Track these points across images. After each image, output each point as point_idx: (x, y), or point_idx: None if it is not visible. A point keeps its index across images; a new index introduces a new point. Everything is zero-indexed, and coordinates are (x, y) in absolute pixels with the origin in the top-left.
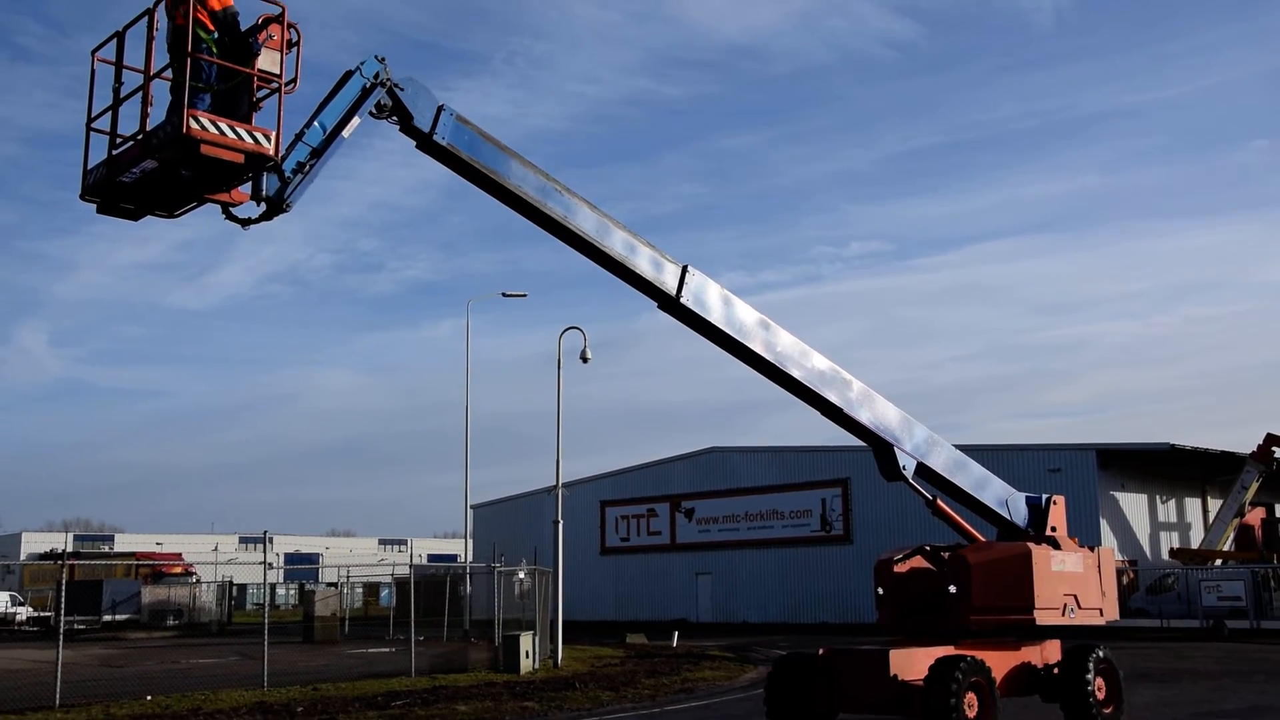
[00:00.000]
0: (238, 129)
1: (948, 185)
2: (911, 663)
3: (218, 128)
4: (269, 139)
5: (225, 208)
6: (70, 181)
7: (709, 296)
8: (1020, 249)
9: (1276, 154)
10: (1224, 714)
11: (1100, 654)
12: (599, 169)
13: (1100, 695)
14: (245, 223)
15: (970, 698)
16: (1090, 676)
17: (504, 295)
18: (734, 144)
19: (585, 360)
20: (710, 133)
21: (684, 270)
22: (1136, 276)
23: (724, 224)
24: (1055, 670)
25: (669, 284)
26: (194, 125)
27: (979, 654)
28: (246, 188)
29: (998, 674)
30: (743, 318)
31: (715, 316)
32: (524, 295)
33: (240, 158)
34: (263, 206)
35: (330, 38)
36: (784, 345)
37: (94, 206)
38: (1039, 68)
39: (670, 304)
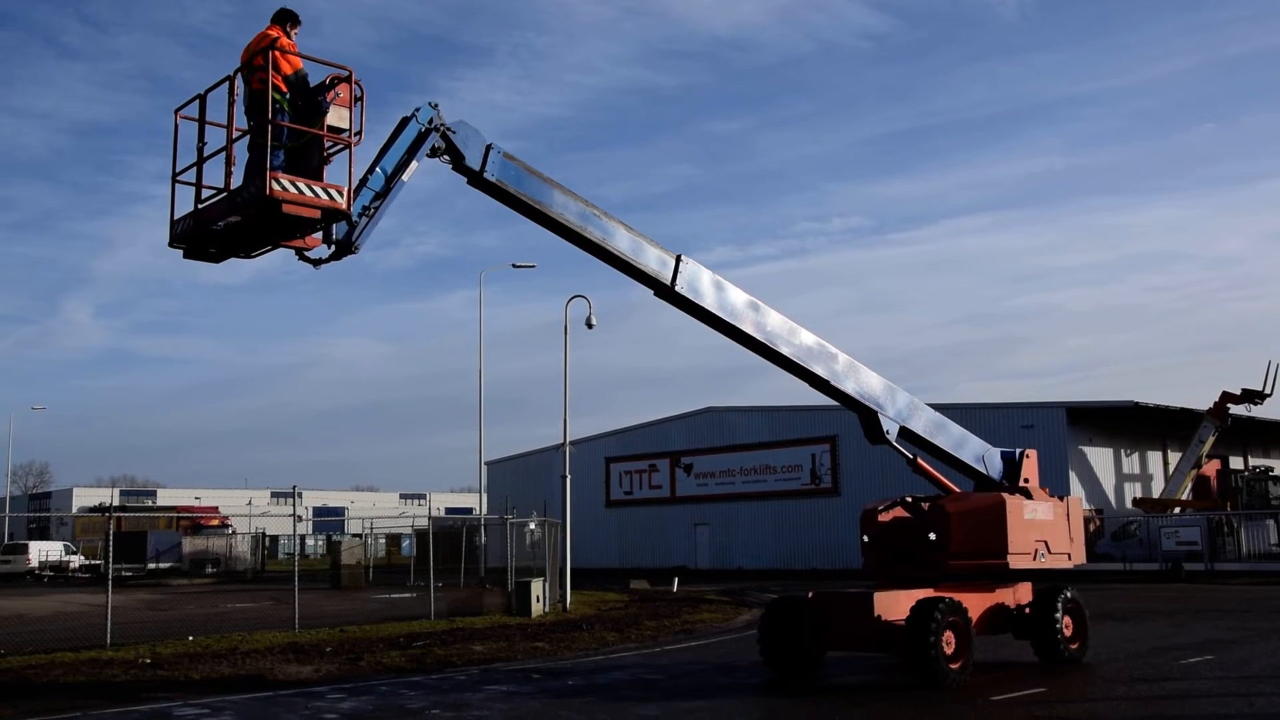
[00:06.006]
0: (314, 187)
1: (922, 165)
2: (894, 604)
3: (297, 187)
4: (341, 194)
5: (299, 251)
6: (110, 167)
7: (702, 284)
8: (989, 224)
9: (1224, 137)
10: (1180, 647)
11: (1068, 595)
12: (597, 152)
13: (1068, 633)
14: (317, 263)
15: (948, 636)
16: (1059, 616)
17: (514, 266)
18: (723, 129)
19: (590, 326)
20: (700, 119)
21: (678, 260)
22: (1097, 248)
23: (715, 203)
24: (1027, 610)
25: (665, 276)
26: (276, 187)
27: (956, 596)
28: (318, 233)
29: (974, 614)
30: (734, 301)
31: (708, 302)
32: (533, 266)
33: (317, 213)
34: (332, 249)
35: (348, 34)
36: (773, 324)
37: (180, 250)
38: (1004, 57)
39: (665, 292)
